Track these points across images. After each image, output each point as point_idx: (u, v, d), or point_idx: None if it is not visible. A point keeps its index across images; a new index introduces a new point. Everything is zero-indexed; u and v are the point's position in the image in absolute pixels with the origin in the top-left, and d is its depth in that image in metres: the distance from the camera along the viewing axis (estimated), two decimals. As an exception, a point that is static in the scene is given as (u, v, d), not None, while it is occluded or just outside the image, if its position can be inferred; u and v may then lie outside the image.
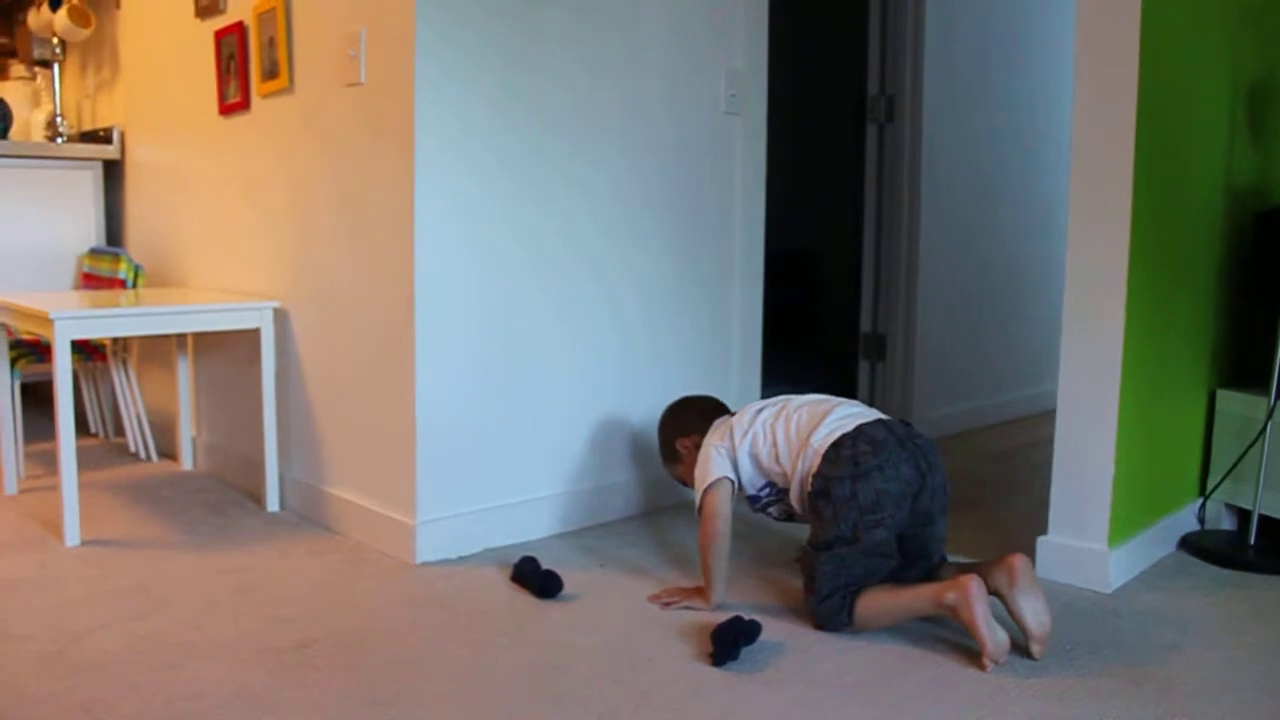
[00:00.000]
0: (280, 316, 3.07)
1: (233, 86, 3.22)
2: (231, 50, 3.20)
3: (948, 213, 4.21)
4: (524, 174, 2.74)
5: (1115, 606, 2.39)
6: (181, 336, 3.51)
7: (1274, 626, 2.28)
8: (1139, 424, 2.57)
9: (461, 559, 2.66)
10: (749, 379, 3.37)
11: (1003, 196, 4.49)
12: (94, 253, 3.88)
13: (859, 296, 4.33)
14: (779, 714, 1.85)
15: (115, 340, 3.66)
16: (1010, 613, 2.10)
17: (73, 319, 2.74)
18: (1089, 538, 2.51)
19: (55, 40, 4.18)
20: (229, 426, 3.40)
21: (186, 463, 3.57)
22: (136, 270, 3.60)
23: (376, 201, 2.67)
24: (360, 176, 2.72)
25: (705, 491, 2.37)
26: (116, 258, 3.65)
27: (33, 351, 3.43)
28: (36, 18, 4.10)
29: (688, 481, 2.54)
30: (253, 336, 3.07)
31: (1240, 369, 3.06)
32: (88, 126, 4.27)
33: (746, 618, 2.12)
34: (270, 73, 3.04)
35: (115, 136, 4.01)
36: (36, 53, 4.24)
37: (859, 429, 2.23)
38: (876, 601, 2.17)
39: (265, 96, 3.09)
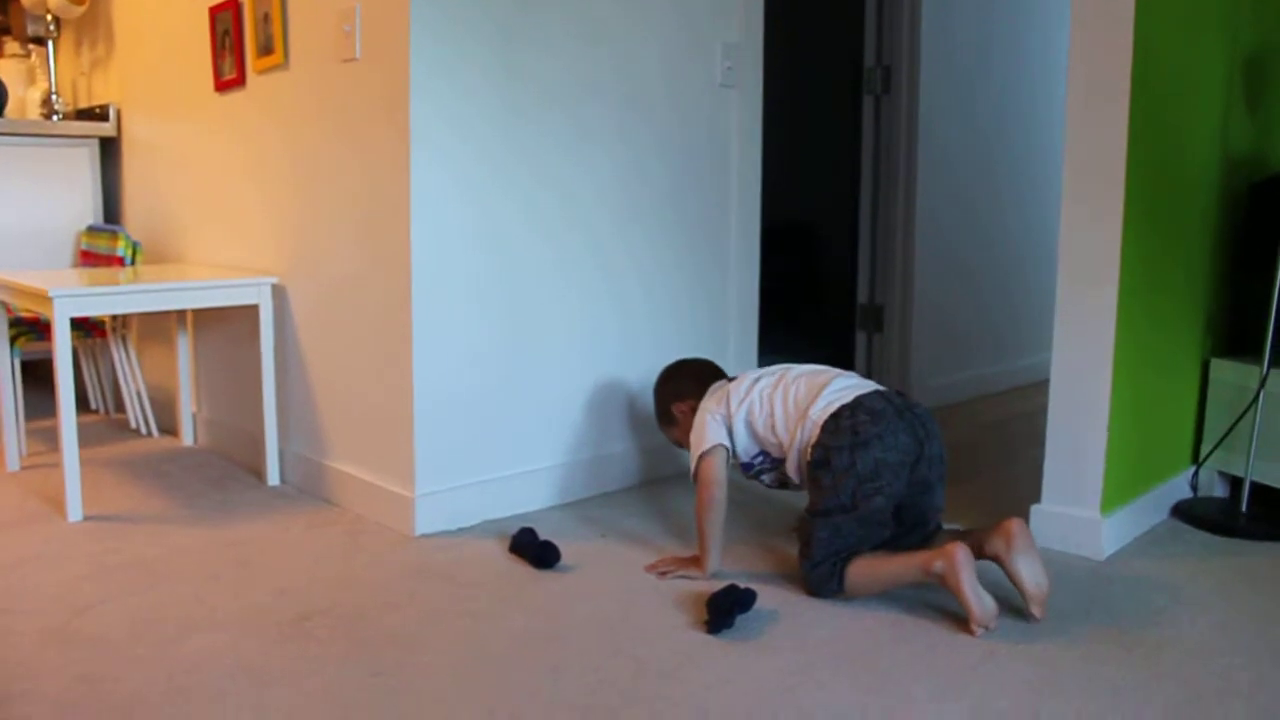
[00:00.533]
0: (278, 292, 3.08)
1: (228, 63, 3.22)
2: (226, 26, 3.20)
3: (945, 183, 4.21)
4: (520, 148, 2.75)
5: (1108, 573, 2.42)
6: (181, 313, 3.53)
7: (1264, 592, 2.31)
8: (1132, 393, 2.58)
9: (460, 531, 2.68)
10: (746, 350, 3.39)
11: (1000, 167, 4.49)
12: (92, 230, 3.89)
13: (856, 267, 4.34)
14: (773, 681, 1.87)
15: (115, 317, 3.67)
16: (1009, 576, 2.13)
17: (72, 296, 2.75)
18: (1082, 505, 2.53)
19: (49, 17, 4.17)
20: (229, 402, 3.42)
21: (187, 438, 3.59)
22: (135, 247, 3.61)
23: (373, 176, 2.67)
24: (356, 151, 2.73)
25: (701, 458, 2.39)
26: (114, 235, 3.66)
27: (32, 329, 3.45)
28: (30, -6, 4.09)
29: (682, 444, 2.57)
30: (251, 312, 3.08)
31: (1234, 338, 3.07)
32: (83, 104, 4.26)
33: (742, 586, 2.14)
34: (265, 49, 3.03)
35: (111, 114, 4.00)
36: (31, 30, 4.22)
37: (857, 400, 2.25)
38: (867, 568, 2.19)
39: (261, 73, 3.09)
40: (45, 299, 2.71)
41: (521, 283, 2.79)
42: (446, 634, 2.07)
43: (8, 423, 3.26)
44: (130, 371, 3.70)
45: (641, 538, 2.65)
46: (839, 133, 5.15)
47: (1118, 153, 2.42)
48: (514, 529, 2.57)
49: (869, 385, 2.34)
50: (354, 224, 2.76)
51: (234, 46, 3.17)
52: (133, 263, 3.59)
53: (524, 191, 2.77)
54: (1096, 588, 2.33)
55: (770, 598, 2.22)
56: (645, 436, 3.11)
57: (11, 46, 4.43)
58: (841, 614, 2.17)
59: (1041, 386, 2.82)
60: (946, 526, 2.38)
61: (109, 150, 4.08)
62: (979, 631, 2.04)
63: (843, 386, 2.31)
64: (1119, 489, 2.57)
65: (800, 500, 2.34)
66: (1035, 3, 4.54)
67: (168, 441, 3.63)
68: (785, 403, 2.36)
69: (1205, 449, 2.94)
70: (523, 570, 2.42)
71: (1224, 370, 2.92)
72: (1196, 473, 2.95)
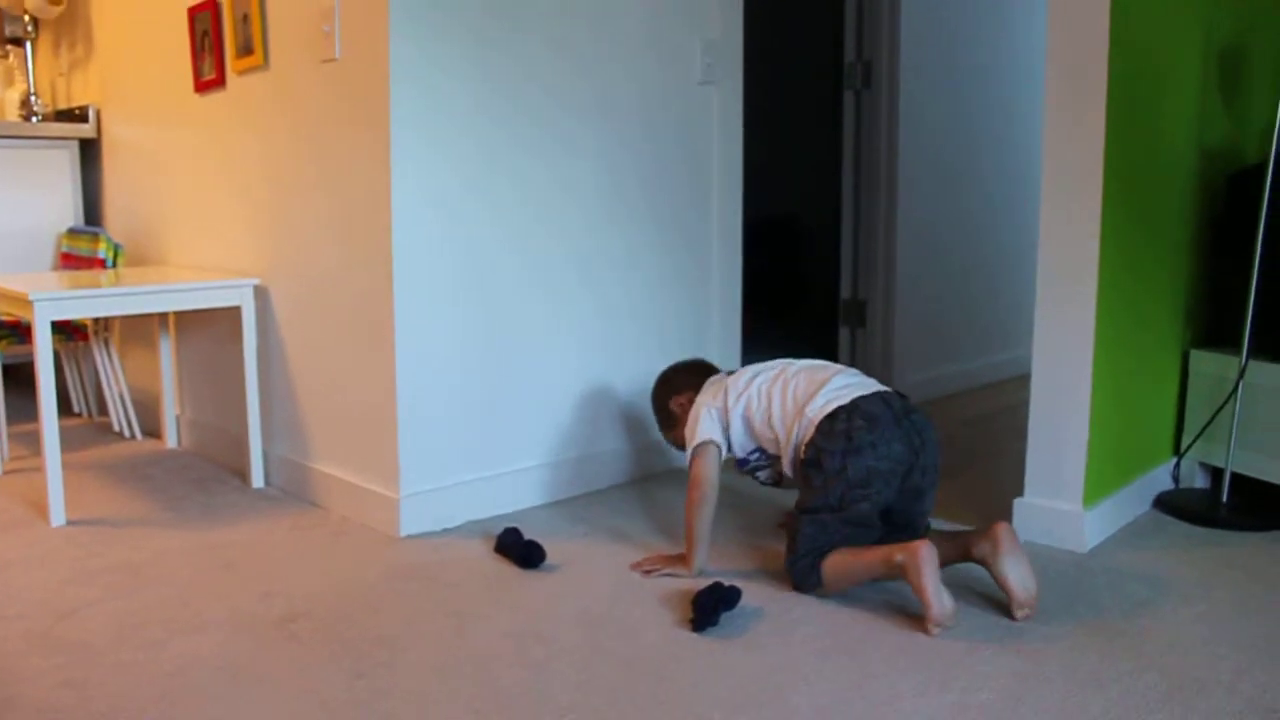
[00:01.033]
0: (261, 294, 3.07)
1: (208, 63, 3.21)
2: (205, 27, 3.19)
3: (926, 178, 4.22)
4: (499, 148, 2.74)
5: (1090, 565, 2.43)
6: (163, 315, 3.51)
7: (1245, 582, 2.33)
8: (1113, 385, 2.60)
9: (445, 531, 2.68)
10: (729, 346, 3.39)
11: (980, 161, 4.50)
12: (73, 232, 3.87)
13: (838, 263, 4.35)
14: (758, 677, 1.88)
15: (96, 320, 3.66)
16: (996, 580, 2.13)
17: (53, 300, 2.74)
18: (1064, 498, 2.55)
19: (27, 18, 4.15)
20: (212, 404, 3.41)
21: (171, 441, 3.58)
22: (116, 249, 3.59)
23: (353, 177, 2.67)
24: (337, 152, 2.72)
25: (693, 454, 2.40)
26: (95, 237, 3.64)
27: (13, 333, 3.43)
28: (7, -5, 4.06)
29: (684, 444, 2.50)
30: (234, 314, 3.07)
31: (1213, 329, 3.09)
32: (62, 105, 4.24)
33: (726, 584, 2.15)
34: (245, 49, 3.02)
35: (91, 115, 3.98)
36: (8, 30, 4.20)
37: (855, 403, 2.24)
38: (840, 562, 2.19)
39: (240, 73, 3.08)
40: (26, 302, 2.70)
41: (504, 282, 2.79)
42: (432, 634, 2.07)
43: (-11, 427, 3.25)
44: (113, 374, 3.69)
45: (627, 536, 2.65)
46: (820, 128, 5.16)
47: (1095, 146, 2.43)
48: (499, 529, 2.57)
49: (870, 386, 2.32)
50: (335, 224, 2.76)
51: (213, 47, 3.16)
52: (114, 265, 3.58)
53: (504, 191, 2.77)
54: (1079, 580, 2.34)
55: (755, 595, 2.23)
56: (630, 435, 3.12)
57: (-11, 48, 4.41)
58: (826, 610, 2.18)
59: (1023, 380, 2.83)
60: (936, 527, 2.39)
61: (89, 152, 4.06)
62: (935, 631, 2.03)
63: (842, 385, 2.30)
64: (1101, 481, 2.59)
65: (789, 499, 2.35)
66: (1015, -3, 4.56)
67: (151, 444, 3.62)
68: (784, 398, 2.35)
69: (1186, 440, 2.96)
70: (508, 570, 2.42)
71: (1204, 361, 2.94)
72: (1178, 464, 2.97)
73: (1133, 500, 2.77)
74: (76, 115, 4.05)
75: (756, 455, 2.43)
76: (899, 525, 2.29)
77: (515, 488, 2.87)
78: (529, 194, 2.82)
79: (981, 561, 2.16)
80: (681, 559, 2.39)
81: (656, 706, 1.78)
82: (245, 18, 2.99)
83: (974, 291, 4.54)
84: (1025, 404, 2.63)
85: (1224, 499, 2.79)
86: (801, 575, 2.23)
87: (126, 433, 3.71)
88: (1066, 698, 1.80)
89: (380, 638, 2.05)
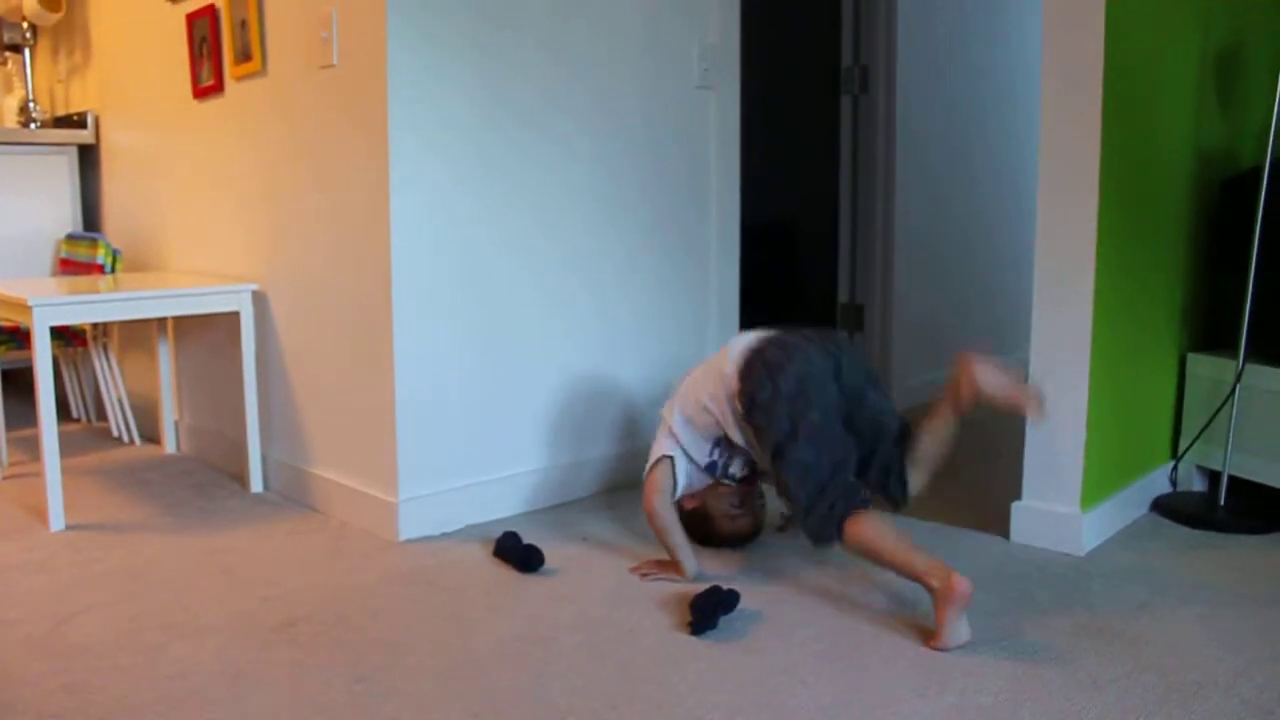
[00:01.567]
0: (259, 299, 3.08)
1: (206, 69, 3.21)
2: (203, 33, 3.19)
3: (924, 183, 4.23)
4: (497, 154, 2.75)
5: (1088, 568, 2.44)
6: (162, 320, 3.52)
7: (1242, 585, 2.33)
8: (1110, 389, 2.60)
9: (444, 535, 2.69)
10: (727, 352, 3.40)
11: (979, 165, 4.51)
12: (71, 238, 3.87)
13: (836, 267, 4.36)
14: (756, 680, 1.88)
15: (95, 325, 3.66)
16: (993, 406, 2.25)
17: (52, 305, 2.74)
18: (1062, 501, 2.55)
19: (25, 24, 4.16)
20: (211, 409, 3.41)
21: (169, 446, 3.58)
22: (114, 255, 3.60)
23: (351, 182, 2.68)
24: (335, 157, 2.73)
25: (647, 475, 2.45)
26: (94, 243, 3.65)
27: (12, 338, 3.44)
28: (5, 1, 4.07)
29: None
30: (232, 319, 3.08)
31: (1210, 332, 3.09)
32: (61, 111, 4.24)
33: (725, 587, 2.15)
34: (243, 55, 3.03)
35: (90, 121, 3.99)
36: (6, 37, 4.21)
37: (760, 341, 2.35)
38: (873, 532, 2.13)
39: (239, 79, 3.08)
40: (25, 308, 2.70)
41: (502, 286, 2.80)
42: (431, 639, 2.08)
43: (-12, 433, 3.25)
44: (111, 379, 3.69)
45: (624, 541, 2.65)
46: (817, 133, 5.17)
47: (1092, 150, 2.44)
48: (498, 533, 2.57)
49: (772, 332, 2.41)
50: (334, 230, 2.76)
51: (212, 53, 3.17)
52: (113, 270, 3.58)
53: (502, 197, 2.78)
54: (1077, 583, 2.35)
55: (754, 598, 2.23)
56: (629, 439, 3.12)
57: (-13, 54, 4.42)
58: (824, 613, 2.18)
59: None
60: (934, 528, 2.39)
61: (88, 158, 4.06)
62: (934, 649, 2.03)
63: (745, 337, 2.40)
64: (1098, 484, 2.59)
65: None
66: (1011, 1, 4.57)
67: (150, 449, 3.62)
68: (705, 377, 2.42)
69: (1184, 443, 2.96)
70: (507, 574, 2.42)
71: (1201, 365, 2.94)
72: (1175, 467, 2.98)
73: (1130, 503, 2.77)
74: (75, 121, 4.06)
75: (716, 452, 2.45)
76: (872, 435, 2.32)
77: (514, 492, 2.87)
78: (527, 199, 2.83)
79: (970, 399, 2.25)
80: (675, 565, 2.39)
81: (655, 710, 1.78)
82: (243, 24, 3.00)
83: (971, 295, 4.55)
84: (1023, 407, 2.64)
85: (1221, 502, 2.80)
86: (818, 526, 2.17)
87: (125, 438, 3.72)
88: (1065, 700, 1.80)
89: (379, 641, 2.06)
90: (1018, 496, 2.64)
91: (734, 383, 2.31)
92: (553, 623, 2.14)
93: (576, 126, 2.92)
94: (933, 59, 4.21)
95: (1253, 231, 2.74)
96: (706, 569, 2.39)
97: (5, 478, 3.26)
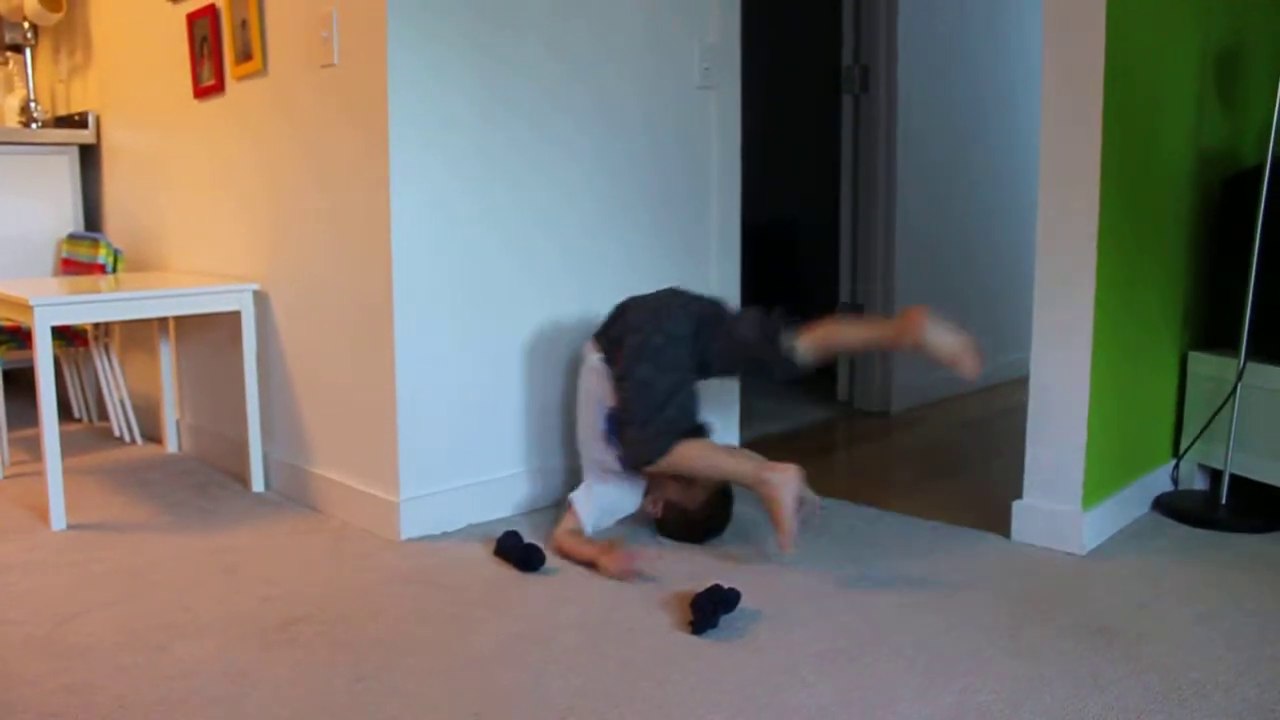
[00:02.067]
0: (260, 299, 3.08)
1: (206, 69, 3.22)
2: (204, 33, 3.20)
3: (924, 182, 4.23)
4: (497, 152, 2.75)
5: (1089, 567, 2.43)
6: (163, 320, 3.52)
7: (1244, 584, 2.33)
8: (1111, 387, 2.60)
9: (445, 535, 2.69)
10: (728, 351, 3.40)
11: (979, 165, 4.51)
12: (73, 238, 3.88)
13: (837, 267, 4.36)
14: (757, 679, 1.89)
15: (97, 325, 3.66)
16: (931, 357, 2.39)
17: (53, 305, 2.75)
18: (1063, 500, 2.55)
19: (26, 24, 4.16)
20: (212, 409, 3.41)
21: (171, 445, 3.59)
22: (116, 255, 3.60)
23: (352, 182, 2.68)
24: (336, 157, 2.73)
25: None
26: (95, 243, 3.65)
27: (14, 338, 3.44)
28: (6, 1, 4.07)
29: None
30: (233, 319, 3.08)
31: (1211, 331, 3.09)
32: (62, 111, 4.25)
33: (726, 587, 2.16)
34: (244, 54, 3.03)
35: (90, 121, 3.99)
36: (7, 37, 4.21)
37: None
38: (700, 450, 2.39)
39: (240, 79, 3.09)
40: (26, 307, 2.71)
41: (503, 286, 2.80)
42: (432, 638, 2.08)
43: (-10, 433, 3.26)
44: (113, 379, 3.69)
45: (627, 539, 2.65)
46: (818, 132, 5.17)
47: (1093, 148, 2.44)
48: (498, 533, 2.57)
49: None
50: (334, 229, 2.77)
51: (212, 53, 3.17)
52: (114, 270, 3.58)
53: (503, 195, 2.78)
54: (1078, 581, 2.35)
55: (754, 598, 2.23)
56: (629, 437, 3.12)
57: (-12, 54, 4.42)
58: (825, 612, 2.18)
59: (1021, 383, 2.84)
60: (934, 526, 2.38)
61: (89, 157, 4.07)
62: (783, 549, 2.14)
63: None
64: (1100, 483, 2.59)
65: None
66: (1011, 0, 4.57)
67: (151, 449, 3.62)
68: (585, 394, 2.64)
69: (1185, 442, 2.96)
70: (508, 573, 2.42)
71: (1202, 363, 2.94)
72: (1177, 466, 2.98)
73: (1131, 502, 2.77)
74: (76, 121, 4.06)
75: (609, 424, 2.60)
76: (726, 359, 2.56)
77: (515, 491, 2.87)
78: (527, 198, 2.83)
79: (910, 343, 2.38)
80: (604, 548, 2.44)
81: (656, 709, 1.78)
82: (244, 23, 3.00)
83: (972, 294, 4.54)
84: (1023, 406, 2.64)
85: (1223, 501, 2.80)
86: (647, 443, 2.39)
87: (127, 437, 3.72)
88: (1065, 699, 1.80)
89: (380, 641, 2.06)
90: (1018, 495, 2.63)
91: (595, 349, 2.53)
92: (553, 622, 2.15)
93: (577, 126, 2.92)
94: (933, 58, 4.21)
95: (1254, 230, 2.74)
96: (710, 568, 2.39)
97: (7, 477, 3.26)
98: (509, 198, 2.79)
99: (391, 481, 2.66)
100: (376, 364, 2.66)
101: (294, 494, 3.01)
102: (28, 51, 4.23)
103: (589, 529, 2.57)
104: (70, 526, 2.77)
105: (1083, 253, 2.47)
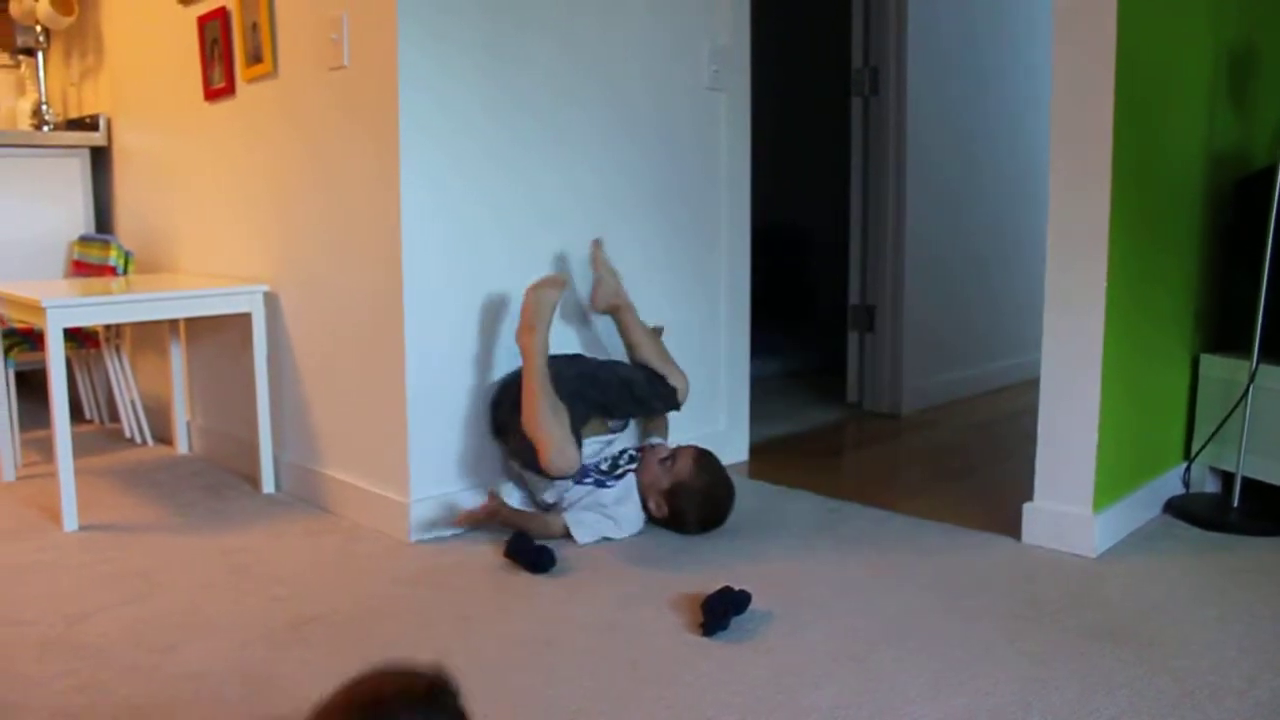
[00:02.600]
0: (270, 300, 3.09)
1: (217, 72, 3.23)
2: (215, 35, 3.21)
3: (934, 184, 4.22)
4: (506, 154, 2.75)
5: (1100, 570, 2.43)
6: (174, 322, 3.53)
7: (1255, 587, 2.32)
8: (1122, 390, 2.59)
9: (455, 536, 2.69)
10: (738, 352, 3.40)
11: (989, 166, 4.51)
12: (84, 240, 3.89)
13: (846, 268, 4.35)
14: (769, 681, 1.88)
15: (108, 327, 3.67)
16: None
17: (65, 307, 2.75)
18: (1073, 502, 2.54)
19: (38, 28, 4.17)
20: (223, 410, 3.42)
21: (182, 447, 3.60)
22: (127, 257, 3.61)
23: (362, 183, 2.68)
24: (346, 159, 2.74)
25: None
26: (106, 245, 3.66)
27: (26, 340, 3.45)
28: (19, 5, 4.09)
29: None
30: (244, 320, 3.09)
31: (1223, 333, 3.08)
32: (73, 114, 4.26)
33: (736, 588, 2.15)
34: (254, 57, 3.04)
35: (102, 124, 4.01)
36: (20, 41, 4.23)
37: None
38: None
39: (250, 81, 3.09)
40: (38, 309, 2.72)
41: (514, 287, 2.80)
42: (442, 639, 2.08)
43: (2, 433, 3.26)
44: (124, 381, 3.70)
45: (636, 541, 2.65)
46: (828, 135, 5.17)
47: (1103, 150, 2.43)
48: (509, 534, 2.57)
49: None
50: (345, 231, 2.77)
51: (223, 55, 3.18)
52: (125, 272, 3.59)
53: (513, 197, 2.78)
54: (1089, 584, 2.34)
55: (765, 599, 2.23)
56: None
57: (1, 58, 4.44)
58: (836, 614, 2.18)
59: (1031, 385, 2.84)
60: (942, 527, 2.37)
61: (100, 160, 4.08)
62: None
63: None
64: (1110, 486, 2.59)
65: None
66: (1020, 1, 4.56)
67: (162, 450, 3.63)
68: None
69: (1197, 445, 2.95)
70: (518, 575, 2.42)
71: (1214, 366, 2.93)
72: (1188, 468, 2.97)
73: (1143, 505, 2.76)
74: (87, 124, 4.08)
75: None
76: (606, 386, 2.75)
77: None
78: (538, 199, 2.83)
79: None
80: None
81: (666, 710, 1.78)
82: (254, 26, 3.01)
83: (982, 296, 4.54)
84: (1033, 409, 2.63)
85: (1235, 504, 2.79)
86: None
87: (138, 439, 3.73)
88: (1076, 702, 1.80)
89: (391, 642, 2.06)
90: (1029, 497, 2.63)
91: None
92: (564, 623, 2.14)
93: (587, 128, 2.92)
94: (943, 60, 4.21)
95: (1266, 232, 2.73)
96: (720, 570, 2.38)
97: (19, 478, 3.27)
98: (519, 198, 2.79)
99: (402, 483, 2.66)
100: (387, 365, 2.66)
101: (304, 495, 3.02)
102: (40, 55, 4.25)
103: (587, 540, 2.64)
104: (82, 527, 2.78)
105: (1094, 254, 2.47)
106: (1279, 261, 2.74)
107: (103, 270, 3.65)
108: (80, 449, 3.42)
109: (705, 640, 2.05)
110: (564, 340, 2.90)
